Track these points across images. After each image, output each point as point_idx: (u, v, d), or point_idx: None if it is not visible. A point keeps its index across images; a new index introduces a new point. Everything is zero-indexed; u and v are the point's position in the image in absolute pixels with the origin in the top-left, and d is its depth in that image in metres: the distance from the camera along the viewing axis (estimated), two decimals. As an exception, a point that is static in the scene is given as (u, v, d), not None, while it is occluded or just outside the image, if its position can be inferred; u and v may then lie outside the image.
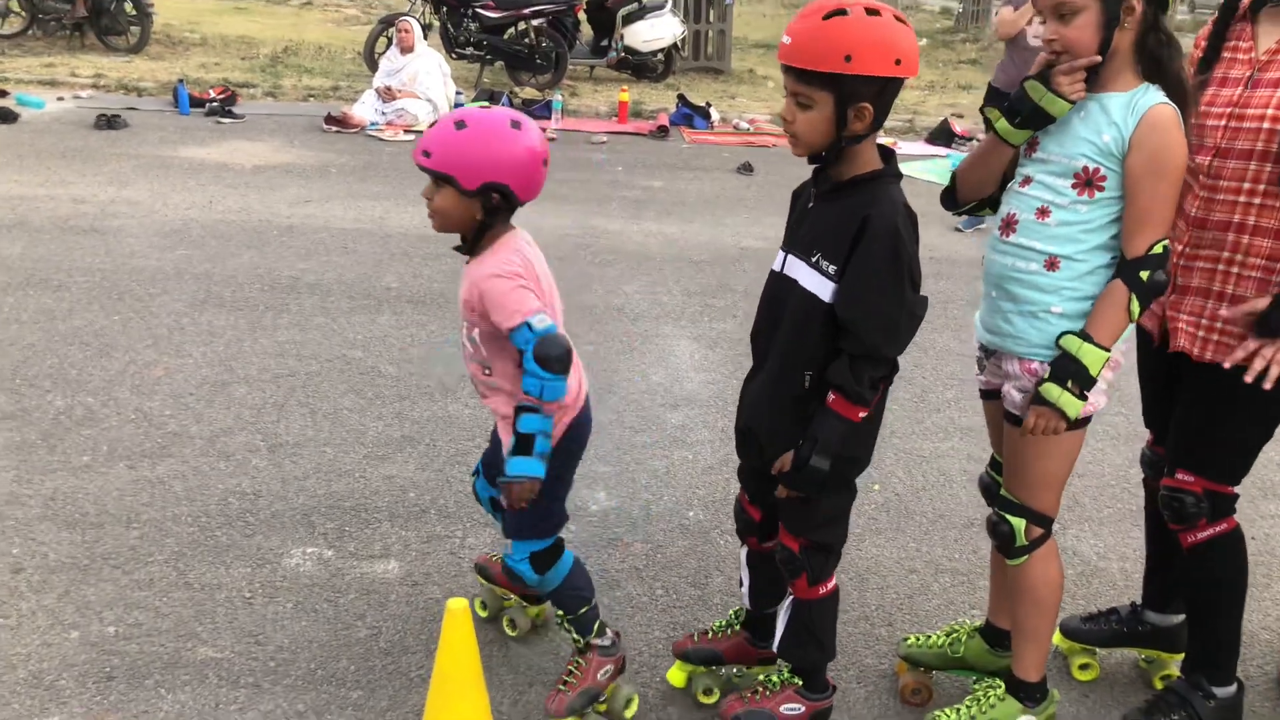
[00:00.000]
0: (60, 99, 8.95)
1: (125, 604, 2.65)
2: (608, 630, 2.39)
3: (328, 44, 13.57)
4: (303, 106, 9.57)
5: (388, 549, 2.96)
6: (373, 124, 8.70)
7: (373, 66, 10.35)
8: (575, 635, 2.35)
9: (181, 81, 9.12)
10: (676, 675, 2.47)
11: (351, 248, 5.65)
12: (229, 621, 2.61)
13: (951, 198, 2.29)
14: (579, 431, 2.30)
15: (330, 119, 8.61)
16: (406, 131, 8.63)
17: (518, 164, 2.11)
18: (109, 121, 8.01)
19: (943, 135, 9.55)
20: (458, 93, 9.15)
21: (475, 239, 2.20)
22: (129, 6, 11.38)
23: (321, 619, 2.64)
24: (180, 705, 2.33)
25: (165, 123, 8.48)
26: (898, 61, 1.86)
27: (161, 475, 3.25)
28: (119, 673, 2.41)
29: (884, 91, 1.90)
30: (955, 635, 2.47)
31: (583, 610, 2.33)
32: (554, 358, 2.05)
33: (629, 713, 2.38)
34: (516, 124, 2.14)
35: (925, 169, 8.28)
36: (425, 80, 8.98)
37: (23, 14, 11.51)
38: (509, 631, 2.63)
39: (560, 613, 2.35)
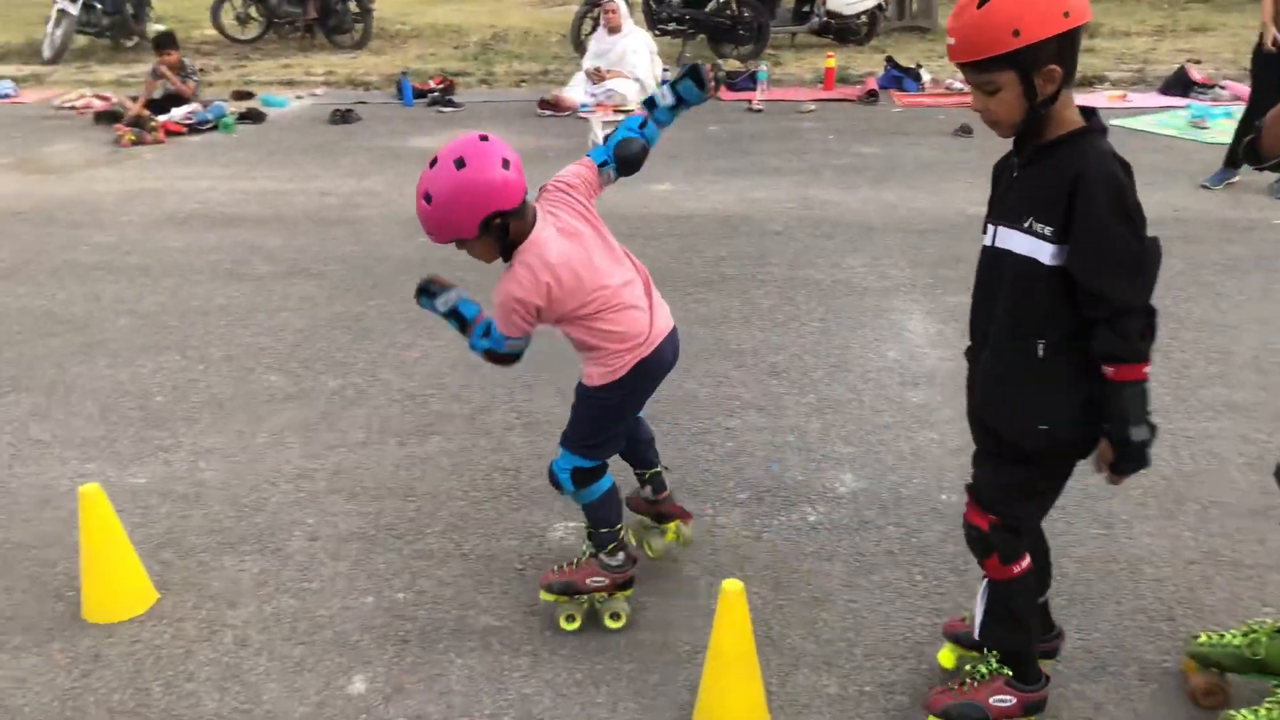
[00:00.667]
0: (299, 97, 9.61)
1: (410, 572, 2.85)
2: (620, 554, 2.61)
3: (531, 28, 13.95)
4: (515, 92, 9.90)
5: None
6: (583, 106, 8.89)
7: (579, 49, 10.58)
8: (588, 543, 2.63)
9: (405, 74, 9.61)
10: (947, 657, 2.44)
11: (576, 229, 5.81)
12: (504, 591, 2.77)
13: (1254, 151, 2.14)
14: (645, 370, 2.49)
15: (543, 103, 8.87)
16: (616, 112, 8.78)
17: (488, 195, 2.26)
18: (343, 116, 8.54)
19: (1179, 84, 8.86)
20: (664, 69, 9.22)
21: (508, 256, 2.39)
22: (352, 5, 12.06)
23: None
24: (469, 670, 2.49)
25: (392, 114, 8.96)
26: (1065, 14, 1.81)
27: (430, 452, 3.47)
28: (412, 636, 2.60)
29: (1063, 46, 1.84)
30: (1254, 636, 2.31)
31: (604, 530, 2.60)
32: (484, 353, 2.50)
33: (614, 624, 2.62)
34: (460, 163, 2.26)
35: (1161, 123, 7.74)
36: (633, 59, 9.08)
37: (260, 20, 12.40)
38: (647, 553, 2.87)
39: (586, 525, 2.63)
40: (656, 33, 10.74)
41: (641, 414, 2.73)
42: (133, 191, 6.61)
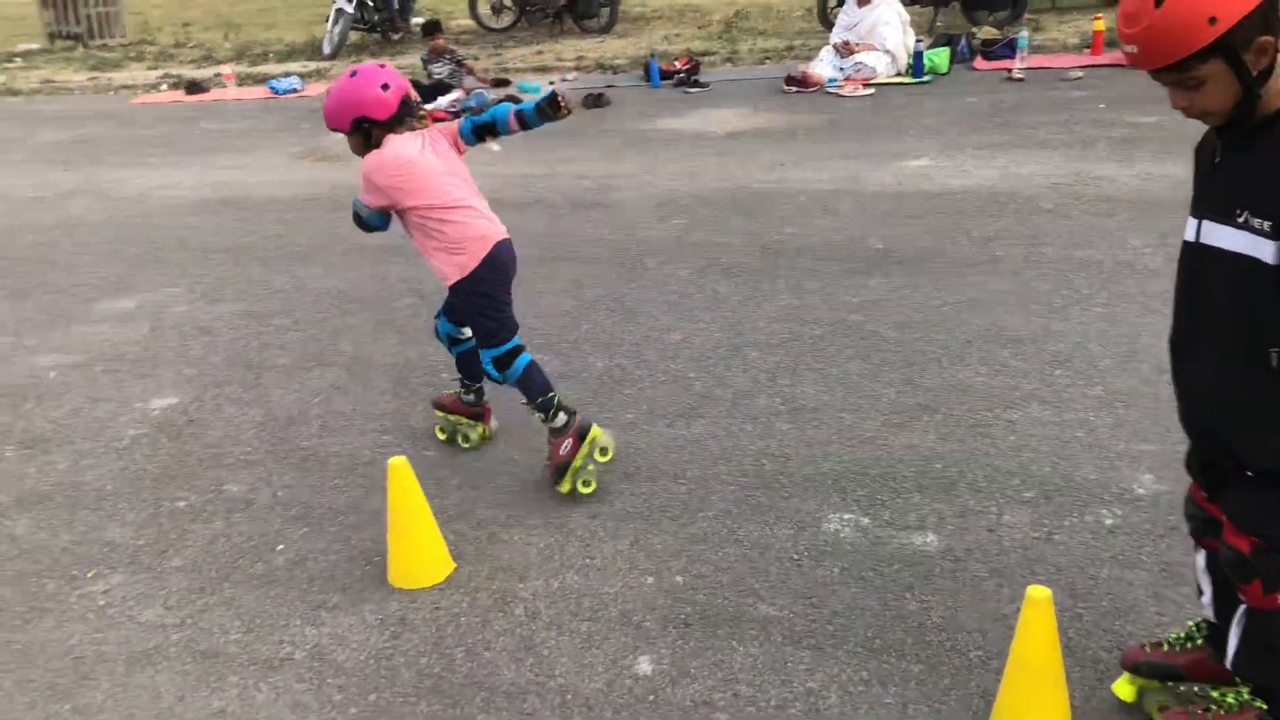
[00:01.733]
0: (552, 83, 9.91)
1: (687, 555, 2.88)
2: (560, 415, 3.14)
3: (774, 5, 13.79)
4: (761, 70, 9.82)
5: (923, 521, 2.95)
6: (831, 81, 8.71)
7: (826, 23, 10.36)
8: (540, 418, 3.16)
9: (653, 56, 9.74)
10: (1124, 689, 2.23)
11: (832, 209, 5.70)
12: (782, 581, 2.75)
13: None
14: (495, 264, 3.12)
15: (790, 80, 8.75)
16: (865, 86, 8.55)
17: (360, 104, 2.99)
18: (595, 100, 8.75)
19: None
20: (917, 40, 8.87)
21: (365, 150, 3.09)
22: (599, -10, 12.34)
23: (870, 587, 2.69)
24: (752, 659, 2.49)
25: (640, 97, 9.11)
26: None
27: (697, 434, 3.50)
28: (694, 620, 2.63)
29: (1266, 13, 1.59)
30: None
31: (539, 399, 3.15)
32: (355, 218, 3.25)
33: (604, 458, 3.15)
34: (353, 74, 3.06)
35: None
36: (883, 31, 8.80)
37: (513, 9, 12.91)
38: (462, 444, 3.49)
39: (524, 400, 3.17)
40: (907, 2, 10.35)
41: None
42: (406, 178, 7.04)
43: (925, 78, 8.65)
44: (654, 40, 11.75)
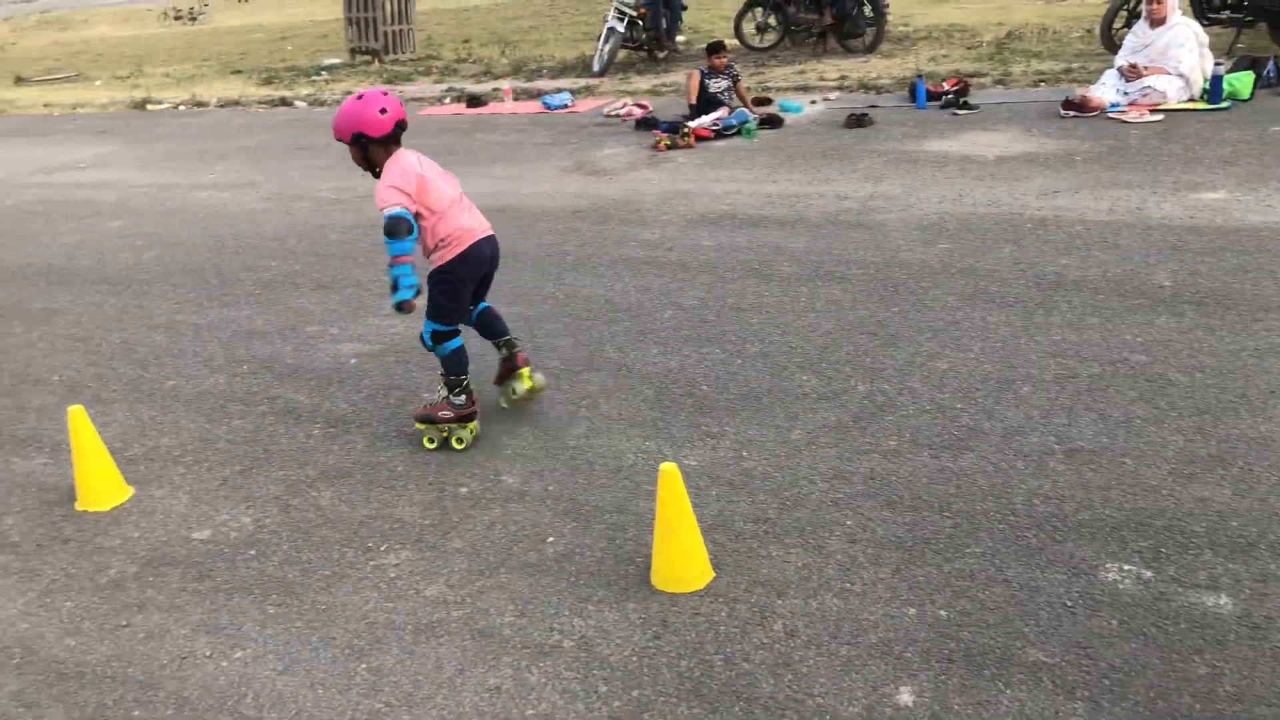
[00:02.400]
0: (813, 102, 9.93)
1: (951, 590, 2.81)
2: (463, 396, 3.79)
3: (1049, 25, 13.17)
4: (1034, 93, 9.41)
5: (1215, 580, 2.74)
6: (1113, 105, 8.22)
7: (1109, 44, 9.81)
8: (441, 387, 3.83)
9: (920, 76, 9.54)
10: None
11: (1112, 241, 5.38)
12: (1053, 627, 2.63)
13: None
14: (462, 265, 3.72)
15: (1068, 103, 8.33)
16: (1153, 112, 8.01)
17: (360, 121, 3.56)
18: (858, 120, 8.67)
19: None
20: (1216, 63, 8.22)
21: (369, 166, 3.69)
22: (866, 10, 12.21)
23: (1152, 645, 2.53)
24: (1019, 704, 2.40)
25: (905, 118, 8.94)
26: None
27: (963, 467, 3.41)
28: (958, 657, 2.56)
29: None
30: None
31: (452, 377, 3.79)
32: (387, 230, 3.55)
33: (458, 446, 3.80)
34: (359, 97, 3.60)
35: None
36: (1177, 53, 8.21)
37: (777, 28, 13.00)
38: (456, 445, 3.83)
39: (441, 371, 3.82)
40: (1205, 22, 9.61)
41: (487, 304, 4.03)
42: (670, 192, 7.24)
43: (1224, 104, 8.01)
44: (920, 61, 11.51)
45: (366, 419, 4.15)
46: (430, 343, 3.81)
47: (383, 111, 3.57)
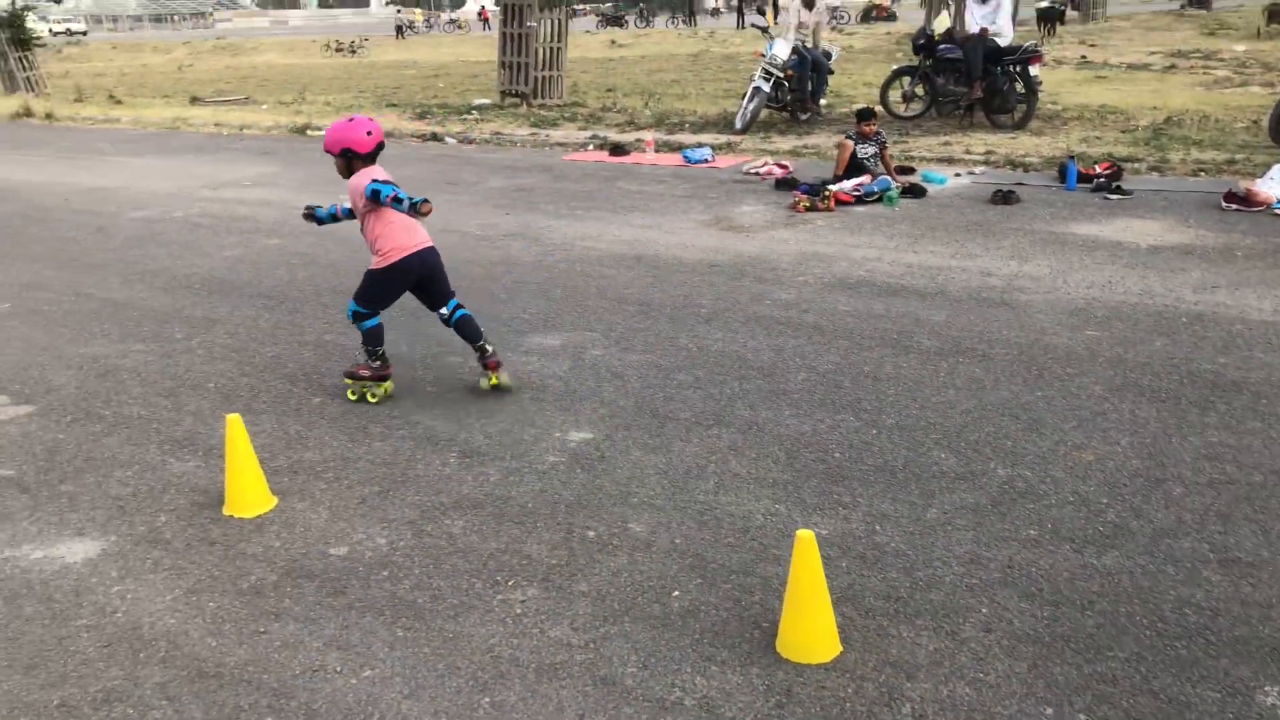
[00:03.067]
0: (957, 175, 9.81)
1: (1093, 694, 2.69)
2: (379, 362, 4.74)
3: (1211, 112, 12.76)
4: (1193, 182, 9.10)
5: (1387, 719, 2.55)
6: (1280, 202, 7.88)
7: (1279, 139, 9.44)
8: (365, 354, 4.77)
9: (1072, 157, 9.34)
10: None
11: (1277, 344, 5.14)
12: (1205, 748, 2.49)
13: None
14: (396, 272, 4.58)
15: (1230, 196, 8.03)
16: (1323, 210, 7.65)
17: (347, 138, 4.43)
18: (1004, 197, 8.52)
19: None
20: (1396, 166, 7.81)
21: (347, 176, 4.53)
22: (1018, 85, 12.04)
23: (1316, 781, 2.37)
24: (1165, 825, 2.27)
25: (1053, 198, 8.75)
26: None
27: (1108, 566, 3.27)
28: (1098, 767, 2.45)
29: None
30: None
31: (369, 348, 4.72)
32: (371, 194, 4.35)
33: (372, 400, 4.73)
34: (350, 119, 4.48)
35: None
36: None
37: (924, 98, 12.93)
38: (370, 400, 4.79)
39: (362, 343, 4.77)
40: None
41: (467, 313, 4.85)
42: (807, 254, 7.23)
43: (1402, 207, 7.60)
44: (1071, 141, 11.27)
45: (500, 452, 4.23)
46: (353, 319, 4.74)
47: (368, 134, 4.47)
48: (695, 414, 4.55)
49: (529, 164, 11.74)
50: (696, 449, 4.21)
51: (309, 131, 14.97)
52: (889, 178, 9.02)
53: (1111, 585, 3.17)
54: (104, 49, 49.40)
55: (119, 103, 20.83)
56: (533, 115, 15.45)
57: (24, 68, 23.63)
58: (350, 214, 4.74)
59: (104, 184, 11.20)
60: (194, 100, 21.08)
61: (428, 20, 65.77)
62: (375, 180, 4.40)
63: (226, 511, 3.78)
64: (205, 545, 3.57)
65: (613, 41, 40.80)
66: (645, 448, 4.23)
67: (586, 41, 38.02)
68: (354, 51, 40.28)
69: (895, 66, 14.45)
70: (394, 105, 18.12)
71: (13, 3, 24.09)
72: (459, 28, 63.14)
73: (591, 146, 12.63)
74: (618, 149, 12.03)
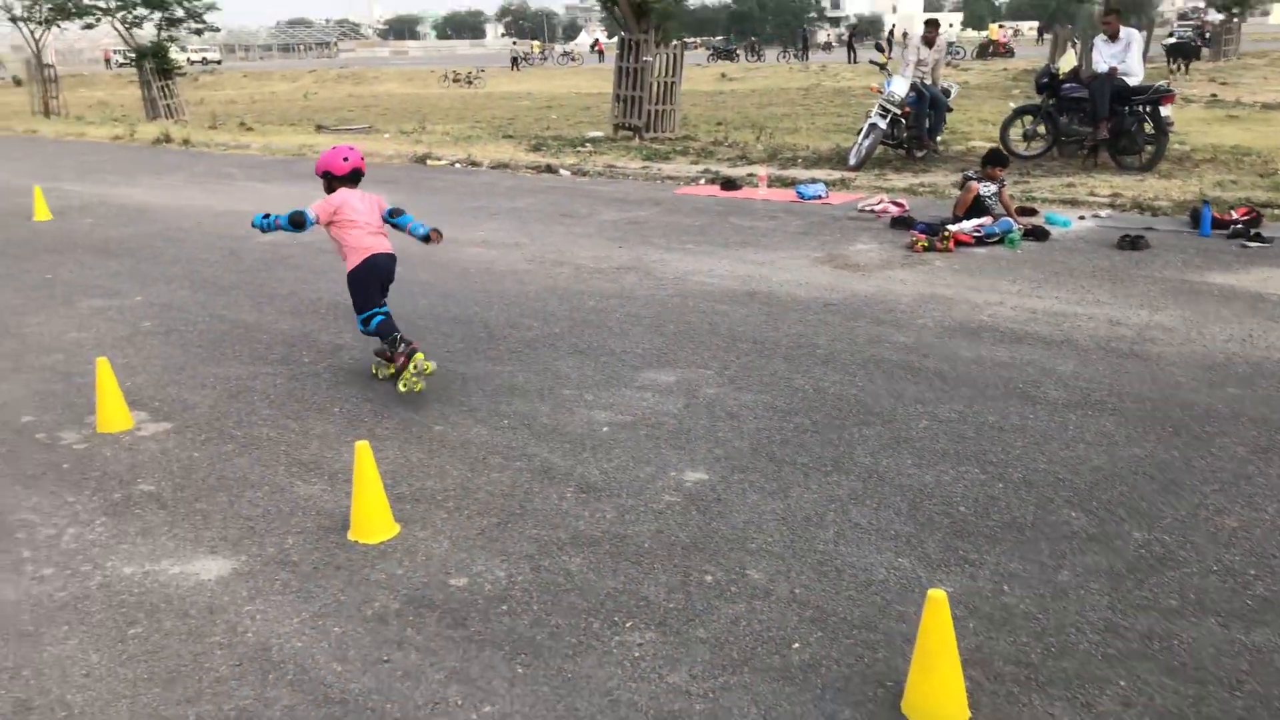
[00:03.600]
0: (1081, 218, 9.53)
1: (1245, 783, 2.54)
2: (401, 344, 5.30)
3: (1357, 156, 12.14)
4: (1339, 230, 8.65)
5: None
6: None
7: None
8: (388, 345, 5.36)
9: (1206, 202, 8.98)
10: None
11: None
12: None
13: None
14: (363, 271, 5.36)
15: (1381, 247, 7.61)
16: None
17: (329, 164, 5.36)
18: (1132, 242, 8.24)
19: None
20: None
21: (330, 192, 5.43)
22: (1147, 126, 11.66)
23: None
24: None
25: (1185, 244, 8.42)
26: None
27: (1258, 643, 3.09)
28: None
29: None
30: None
31: (388, 337, 5.33)
32: (294, 222, 5.27)
33: (426, 368, 5.32)
34: (334, 148, 5.42)
35: None
36: None
37: (1046, 138, 12.62)
38: (374, 373, 5.72)
39: (382, 340, 5.43)
40: None
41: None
42: (925, 295, 7.10)
43: None
44: (1204, 184, 10.84)
45: (616, 489, 4.24)
46: (362, 327, 5.46)
47: (345, 159, 5.41)
48: (813, 459, 4.49)
49: (641, 197, 11.83)
50: (815, 496, 4.15)
51: (429, 161, 15.40)
52: (1010, 219, 8.81)
53: (1263, 665, 3.00)
54: (236, 77, 51.85)
55: (249, 129, 21.77)
56: (645, 149, 15.60)
57: (165, 95, 24.92)
58: (290, 226, 5.32)
59: (235, 208, 11.68)
60: (319, 128, 21.91)
61: (543, 53, 67.19)
62: (308, 209, 5.32)
63: (351, 536, 3.86)
64: (331, 569, 3.66)
65: (723, 75, 41.04)
66: (762, 492, 4.18)
67: (697, 75, 38.30)
68: (470, 82, 41.40)
69: (1016, 105, 14.15)
70: (509, 137, 18.53)
71: (158, 34, 25.45)
72: (572, 60, 64.35)
73: (703, 181, 12.67)
74: (730, 183, 12.04)
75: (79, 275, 8.43)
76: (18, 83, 43.93)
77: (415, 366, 5.27)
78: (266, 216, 5.40)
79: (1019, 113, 13.02)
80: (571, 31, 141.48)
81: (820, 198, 11.06)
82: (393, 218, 5.55)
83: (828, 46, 70.86)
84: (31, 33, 27.91)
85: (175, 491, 4.30)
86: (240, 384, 5.61)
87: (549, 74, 49.66)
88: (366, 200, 5.44)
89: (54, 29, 28.67)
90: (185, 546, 3.84)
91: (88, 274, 8.46)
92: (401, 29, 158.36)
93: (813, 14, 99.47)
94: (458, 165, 15.10)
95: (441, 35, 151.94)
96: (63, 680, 3.04)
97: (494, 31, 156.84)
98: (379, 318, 5.37)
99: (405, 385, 5.31)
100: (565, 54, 69.61)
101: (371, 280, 5.42)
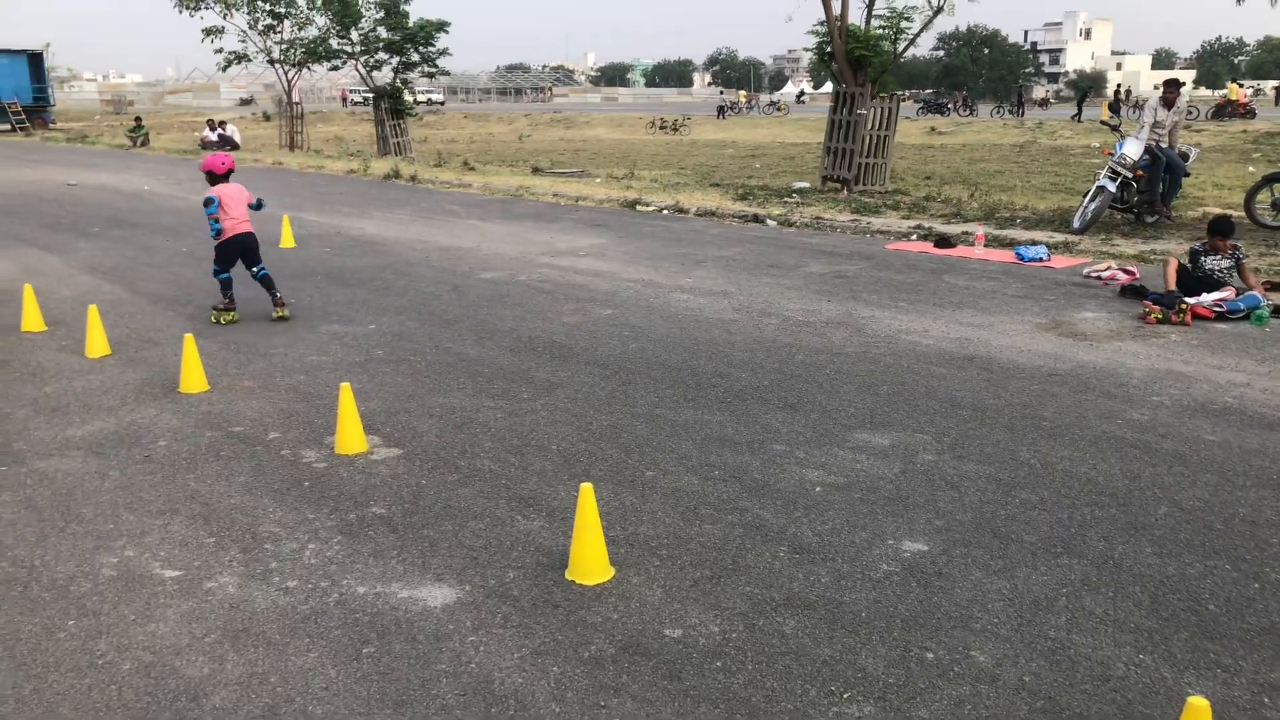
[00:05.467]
0: (1342, 295, 8.72)
1: None
2: (227, 300, 8.24)
3: None
4: None
5: None
6: None
7: None
8: (222, 295, 8.26)
9: None
10: None
11: None
12: None
13: None
14: (229, 244, 8.01)
15: None
16: None
17: (210, 167, 7.97)
18: (1404, 325, 7.46)
19: None
20: None
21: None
22: None
23: None
24: None
25: None
26: None
27: None
28: None
29: None
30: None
31: (225, 292, 8.23)
32: (206, 201, 8.05)
33: (222, 321, 8.19)
34: (215, 157, 8.10)
35: None
36: None
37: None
38: (213, 320, 8.18)
39: (220, 289, 8.26)
40: None
41: (267, 273, 8.25)
42: (1160, 371, 6.66)
43: None
44: None
45: (831, 553, 4.15)
46: (216, 274, 8.13)
47: (223, 164, 7.92)
48: (1041, 538, 4.26)
49: (849, 250, 11.69)
50: (1045, 578, 3.92)
51: (638, 206, 15.76)
52: (1257, 294, 8.17)
53: None
54: (457, 118, 54.90)
55: (471, 169, 22.94)
56: (854, 201, 15.43)
57: (396, 134, 26.65)
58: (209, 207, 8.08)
59: (457, 244, 12.31)
60: (535, 170, 22.85)
61: (749, 102, 67.84)
62: (211, 194, 7.91)
63: (569, 576, 3.94)
64: (549, 607, 3.73)
65: (932, 129, 40.26)
66: (987, 569, 4.00)
67: (905, 128, 37.70)
68: (676, 129, 42.27)
69: (1263, 170, 13.17)
70: (716, 185, 18.74)
71: (394, 77, 27.30)
72: (778, 109, 64.69)
73: (915, 236, 12.40)
74: (943, 241, 11.74)
75: (318, 301, 9.07)
76: (267, 118, 48.09)
77: (223, 317, 8.16)
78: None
79: (1268, 180, 12.10)
80: (778, 81, 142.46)
81: (1041, 260, 10.61)
82: (258, 208, 8.18)
83: (1045, 103, 68.30)
84: (285, 73, 30.49)
85: (405, 516, 4.51)
86: (464, 415, 5.86)
87: (753, 123, 50.06)
88: (240, 193, 8.06)
89: (304, 70, 31.19)
90: (414, 571, 4.01)
91: (325, 301, 9.09)
92: (612, 76, 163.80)
93: (1029, 69, 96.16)
94: (665, 211, 15.38)
95: (650, 83, 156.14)
96: (305, 691, 3.23)
97: (700, 80, 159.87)
98: (226, 275, 8.10)
99: (214, 318, 8.17)
100: (771, 104, 70.08)
101: (233, 250, 7.99)
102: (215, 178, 7.94)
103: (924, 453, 5.25)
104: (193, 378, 6.35)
